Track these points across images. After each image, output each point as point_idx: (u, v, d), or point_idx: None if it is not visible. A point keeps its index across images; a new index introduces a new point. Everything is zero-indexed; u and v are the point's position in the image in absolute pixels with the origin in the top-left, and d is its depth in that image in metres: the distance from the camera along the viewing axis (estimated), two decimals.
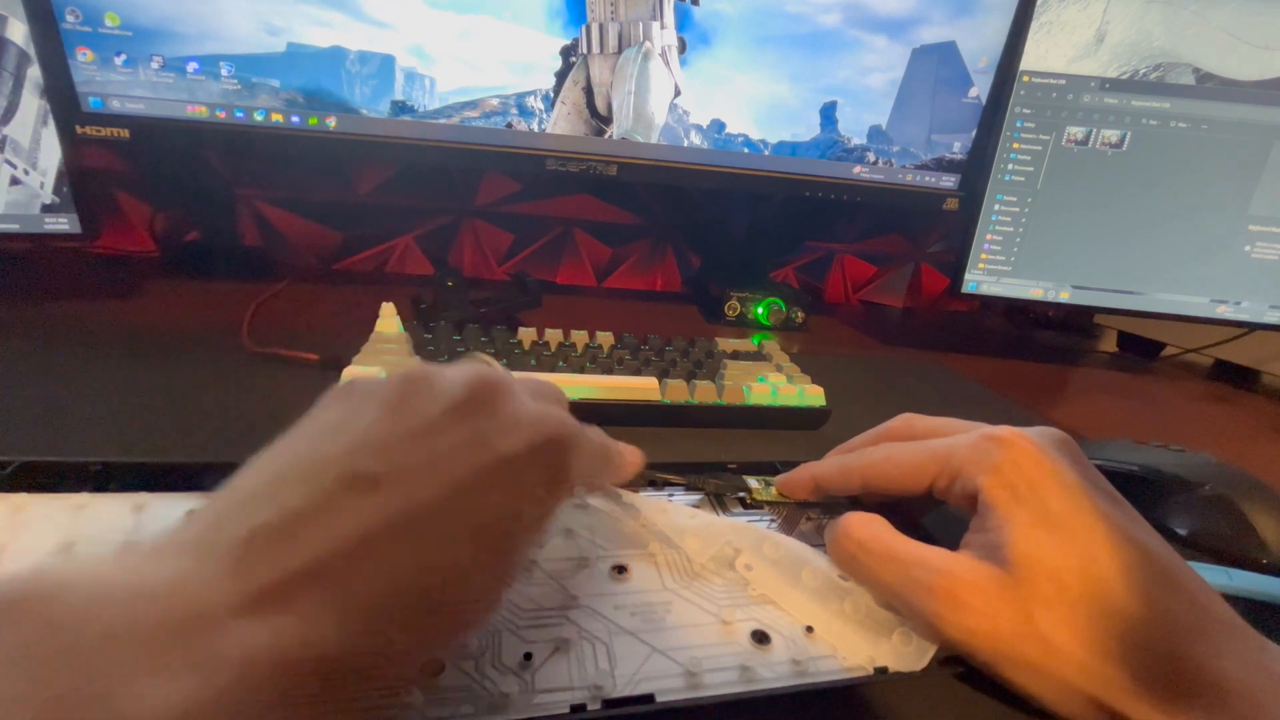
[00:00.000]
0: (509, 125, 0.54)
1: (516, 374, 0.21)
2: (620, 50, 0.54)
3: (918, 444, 0.25)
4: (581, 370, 0.40)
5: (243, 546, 0.13)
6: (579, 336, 0.46)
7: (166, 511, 0.23)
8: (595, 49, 0.53)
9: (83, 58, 0.46)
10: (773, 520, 0.28)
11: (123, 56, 0.47)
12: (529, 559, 0.18)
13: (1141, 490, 0.35)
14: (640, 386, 0.38)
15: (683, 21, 0.54)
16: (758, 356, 0.46)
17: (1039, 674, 0.19)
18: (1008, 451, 0.22)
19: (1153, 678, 0.18)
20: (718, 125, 0.58)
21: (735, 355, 0.46)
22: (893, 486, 0.25)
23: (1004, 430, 0.23)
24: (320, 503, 0.14)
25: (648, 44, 0.54)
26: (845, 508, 0.27)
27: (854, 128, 0.59)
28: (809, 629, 0.22)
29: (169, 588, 0.12)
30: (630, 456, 0.25)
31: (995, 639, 0.20)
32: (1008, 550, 0.20)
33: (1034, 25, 0.56)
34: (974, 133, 0.60)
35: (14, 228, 0.47)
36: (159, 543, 0.13)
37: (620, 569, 0.23)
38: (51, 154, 0.47)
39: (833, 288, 0.85)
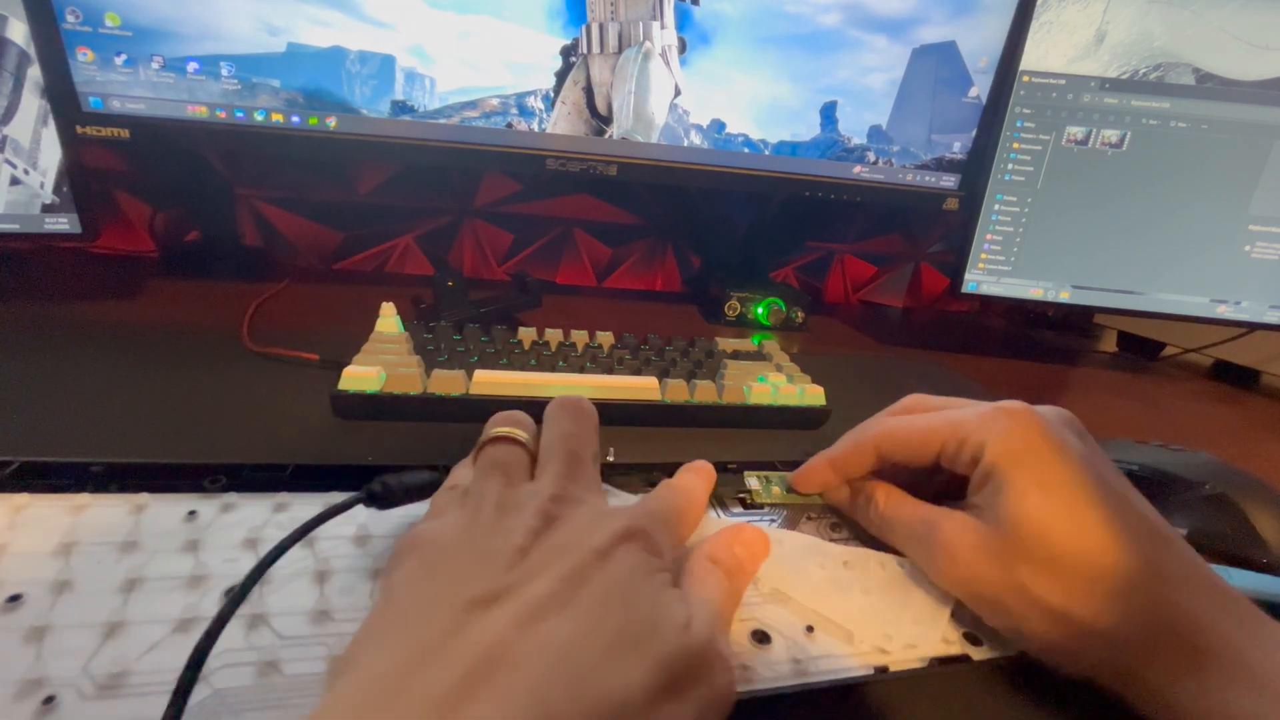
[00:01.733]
0: (509, 125, 0.54)
1: (563, 457, 0.22)
2: (620, 50, 0.54)
3: (929, 415, 0.26)
4: (581, 370, 0.40)
5: (403, 685, 0.14)
6: (579, 336, 0.46)
7: (167, 512, 0.23)
8: (595, 49, 0.53)
9: (83, 58, 0.46)
10: (773, 520, 0.28)
11: (123, 56, 0.46)
12: (676, 598, 0.18)
13: (1141, 490, 0.35)
14: (640, 386, 0.38)
15: (683, 21, 0.54)
16: (758, 356, 0.46)
17: (1022, 622, 0.21)
18: (1015, 421, 0.23)
19: (1140, 627, 0.19)
20: (718, 125, 0.58)
21: (735, 355, 0.46)
22: (904, 453, 0.26)
23: (1013, 403, 0.24)
24: (457, 628, 0.15)
25: (648, 44, 0.54)
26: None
27: (854, 128, 0.59)
28: (809, 629, 0.22)
29: None
30: (700, 483, 0.26)
31: (979, 586, 0.22)
32: (1000, 510, 0.22)
33: (1034, 25, 0.56)
34: (974, 133, 0.60)
35: (14, 228, 0.47)
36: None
37: None
38: (51, 154, 0.47)
39: (833, 288, 0.85)
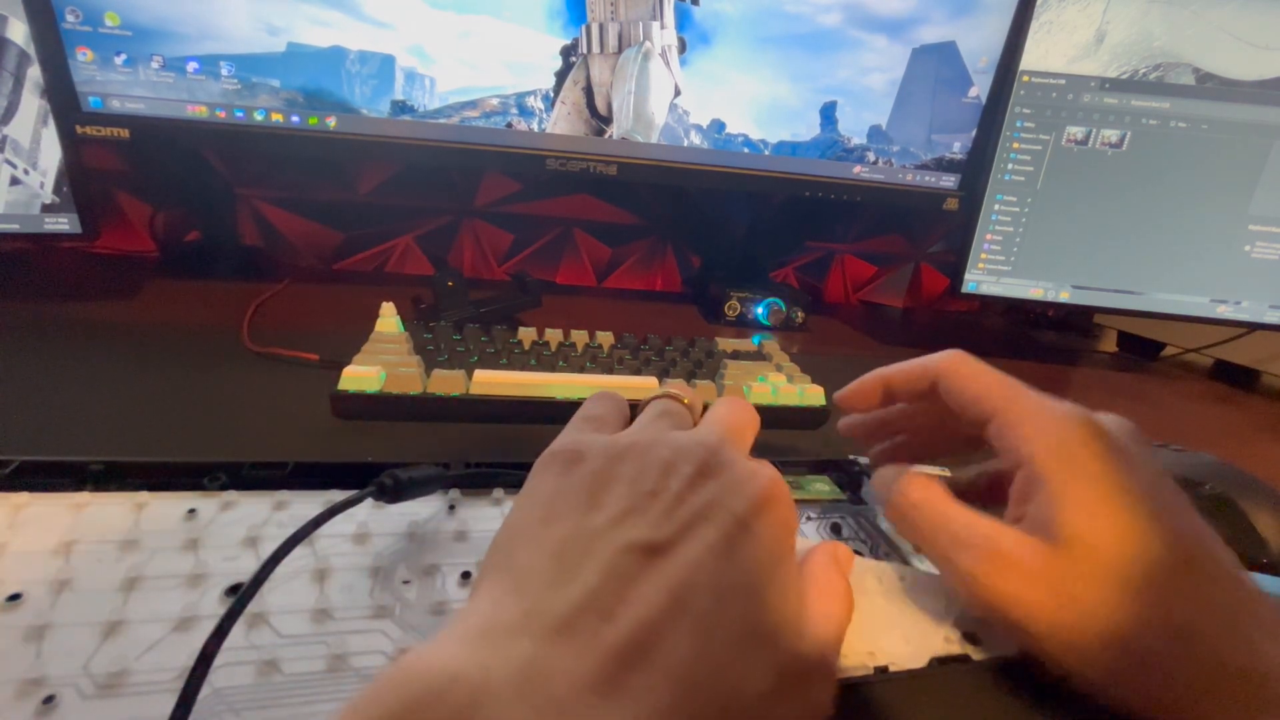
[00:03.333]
0: (509, 125, 0.54)
1: (723, 416, 0.22)
2: (620, 50, 0.54)
3: (996, 371, 0.25)
4: (581, 370, 0.40)
5: (569, 629, 0.14)
6: (579, 336, 0.46)
7: (166, 510, 0.23)
8: (595, 49, 0.53)
9: (83, 57, 0.46)
10: None
11: (123, 56, 0.47)
12: (798, 599, 0.18)
13: None
14: (640, 386, 0.38)
15: (683, 21, 0.54)
16: (758, 356, 0.46)
17: (1073, 650, 0.19)
18: (1074, 428, 0.22)
19: (1210, 671, 0.18)
20: (718, 125, 0.58)
21: (735, 355, 0.46)
22: (957, 402, 0.25)
23: (1070, 406, 0.23)
24: (619, 575, 0.15)
25: (648, 44, 0.54)
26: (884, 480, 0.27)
27: (854, 128, 0.60)
28: None
29: (528, 678, 0.13)
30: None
31: (1032, 607, 0.20)
32: (1057, 526, 0.20)
33: (1034, 25, 0.56)
34: (974, 132, 0.60)
35: (14, 228, 0.47)
36: (473, 627, 0.14)
37: None
38: (51, 154, 0.47)
39: (833, 288, 0.85)
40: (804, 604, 0.18)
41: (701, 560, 0.16)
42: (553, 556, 0.16)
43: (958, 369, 0.25)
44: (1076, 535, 0.20)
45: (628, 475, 0.18)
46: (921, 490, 0.24)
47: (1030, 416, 0.23)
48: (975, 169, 0.61)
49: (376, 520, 0.24)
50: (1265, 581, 0.28)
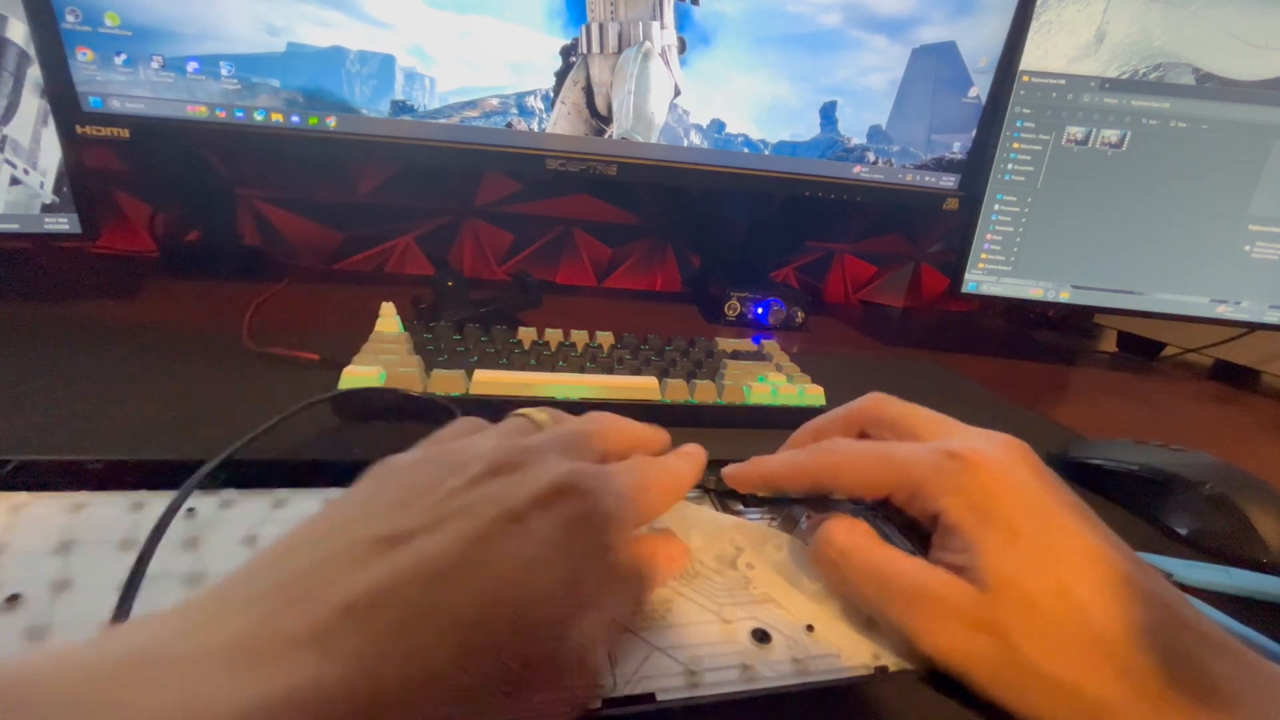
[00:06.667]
0: (509, 125, 0.54)
1: (565, 427, 0.22)
2: (620, 50, 0.54)
3: (877, 451, 0.24)
4: (581, 370, 0.40)
5: (252, 606, 0.13)
6: (579, 336, 0.46)
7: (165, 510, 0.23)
8: (595, 49, 0.53)
9: (83, 57, 0.46)
10: (773, 519, 0.28)
11: (123, 56, 0.47)
12: (572, 599, 0.17)
13: (1141, 490, 0.35)
14: (640, 386, 0.38)
15: (683, 21, 0.54)
16: (758, 356, 0.46)
17: (1019, 694, 0.19)
18: (971, 473, 0.21)
19: (1139, 691, 0.18)
20: (718, 125, 0.58)
21: (735, 355, 0.46)
22: (846, 492, 0.25)
23: (962, 447, 0.22)
24: (339, 563, 0.15)
25: (648, 44, 0.54)
26: (829, 506, 0.27)
27: (854, 128, 0.59)
28: (810, 628, 0.22)
29: (152, 651, 0.12)
30: (684, 465, 0.23)
31: (970, 657, 0.20)
32: (982, 574, 0.20)
33: (1034, 25, 0.56)
34: (974, 132, 0.60)
35: (14, 228, 0.47)
36: (164, 611, 0.13)
37: None
38: (51, 154, 0.47)
39: (833, 288, 0.85)
40: (577, 601, 0.17)
41: (442, 549, 0.15)
42: (283, 552, 0.16)
43: (836, 469, 0.24)
44: (1000, 582, 0.19)
45: (412, 478, 0.18)
46: (847, 534, 0.23)
47: (930, 475, 0.22)
48: (975, 169, 0.61)
49: None
50: (1266, 582, 0.28)
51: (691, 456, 0.24)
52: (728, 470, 0.28)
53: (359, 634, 0.13)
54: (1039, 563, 0.20)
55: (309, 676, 0.12)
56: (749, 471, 0.27)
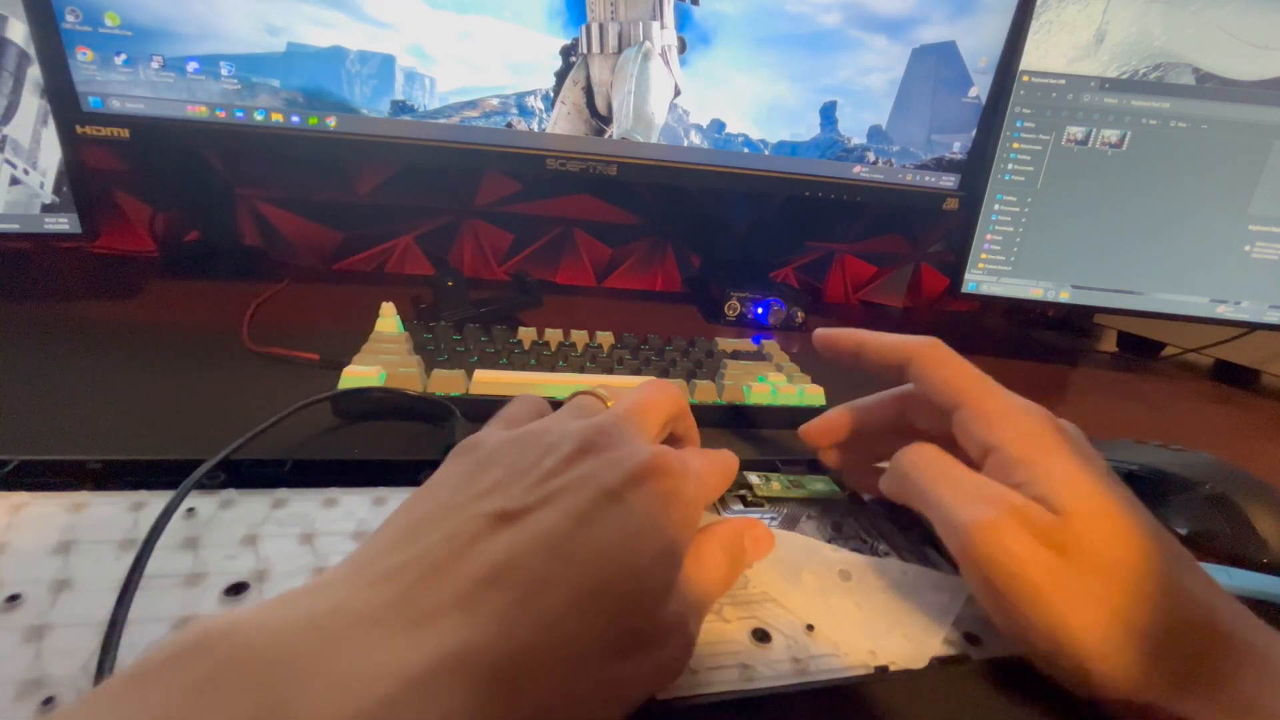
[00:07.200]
0: (509, 125, 0.54)
1: (627, 404, 0.22)
2: (620, 50, 0.54)
3: (964, 366, 0.25)
4: (581, 370, 0.40)
5: (395, 578, 0.15)
6: (579, 336, 0.46)
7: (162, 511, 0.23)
8: (595, 49, 0.53)
9: (83, 57, 0.46)
10: (772, 518, 0.28)
11: (123, 56, 0.47)
12: (671, 569, 0.18)
13: (1141, 490, 0.35)
14: None
15: (683, 21, 0.54)
16: (758, 356, 0.46)
17: (1069, 601, 0.19)
18: (1042, 419, 0.23)
19: (1180, 652, 0.19)
20: (718, 125, 0.58)
21: (735, 355, 0.46)
22: (929, 382, 0.25)
23: (1035, 404, 0.23)
24: (461, 538, 0.16)
25: (648, 44, 0.54)
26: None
27: (854, 128, 0.59)
28: (809, 627, 0.22)
29: (327, 615, 0.13)
30: (733, 461, 0.25)
31: (1029, 564, 0.20)
32: (1052, 497, 0.20)
33: (1034, 25, 0.56)
34: (974, 133, 0.60)
35: (14, 228, 0.47)
36: (313, 583, 0.15)
37: None
38: (51, 154, 0.47)
39: (833, 288, 0.85)
40: (676, 571, 0.18)
41: (556, 524, 0.16)
42: (406, 529, 0.17)
43: (931, 354, 0.26)
44: (1075, 508, 0.20)
45: (508, 458, 0.19)
46: (930, 451, 0.24)
47: (1000, 405, 0.23)
48: (975, 169, 0.61)
49: (376, 518, 0.24)
50: (1266, 582, 0.28)
51: (732, 457, 0.25)
52: (823, 333, 0.29)
53: (497, 600, 0.14)
54: (1108, 500, 0.20)
55: (461, 639, 0.13)
56: (846, 331, 0.29)
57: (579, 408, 0.23)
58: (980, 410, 0.23)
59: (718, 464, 0.24)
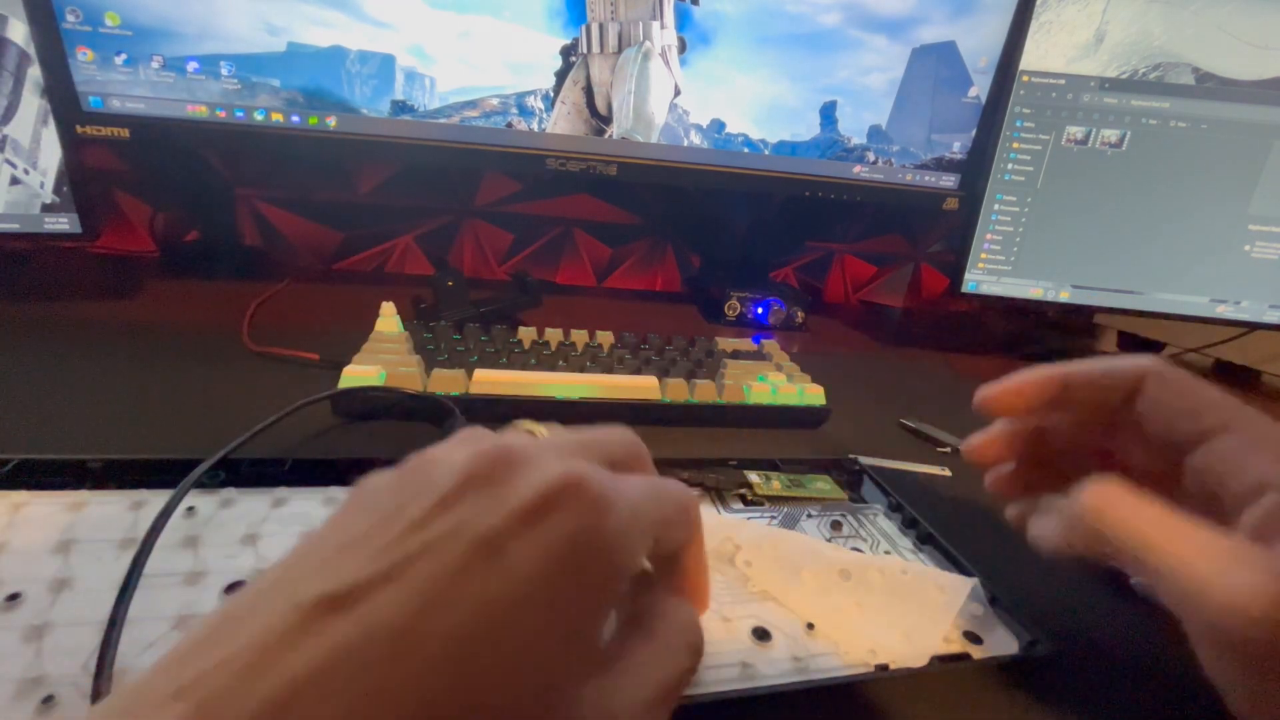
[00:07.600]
0: (509, 125, 0.54)
1: (573, 433, 0.17)
2: (620, 50, 0.54)
3: (1211, 390, 0.21)
4: (581, 370, 0.40)
5: (185, 696, 0.11)
6: (579, 336, 0.46)
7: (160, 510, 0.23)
8: (595, 49, 0.53)
9: (83, 57, 0.46)
10: (773, 517, 0.28)
11: (123, 56, 0.47)
12: (573, 661, 0.13)
13: None
14: (640, 386, 0.38)
15: (683, 21, 0.54)
16: (758, 356, 0.46)
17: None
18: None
19: None
20: (718, 125, 0.58)
21: (735, 355, 0.46)
22: (1169, 410, 0.21)
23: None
24: (276, 636, 0.11)
25: (648, 44, 0.54)
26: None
27: (854, 127, 0.60)
28: (810, 626, 0.22)
29: None
30: (682, 495, 0.17)
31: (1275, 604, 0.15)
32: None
33: (1034, 25, 0.56)
34: (974, 132, 0.60)
35: (14, 227, 0.47)
36: (114, 696, 0.12)
37: None
38: (51, 154, 0.47)
39: (833, 288, 0.85)
40: (586, 662, 0.13)
41: (396, 609, 0.12)
42: (223, 618, 0.12)
43: (1171, 372, 0.22)
44: None
45: (376, 505, 0.14)
46: (1131, 490, 0.19)
47: (1271, 438, 0.19)
48: (975, 169, 0.61)
49: None
50: None
51: (688, 490, 0.18)
52: (1001, 387, 0.25)
53: None
54: None
55: None
56: (1040, 374, 0.24)
57: (493, 436, 0.16)
58: (1244, 442, 0.19)
59: (664, 492, 0.16)
